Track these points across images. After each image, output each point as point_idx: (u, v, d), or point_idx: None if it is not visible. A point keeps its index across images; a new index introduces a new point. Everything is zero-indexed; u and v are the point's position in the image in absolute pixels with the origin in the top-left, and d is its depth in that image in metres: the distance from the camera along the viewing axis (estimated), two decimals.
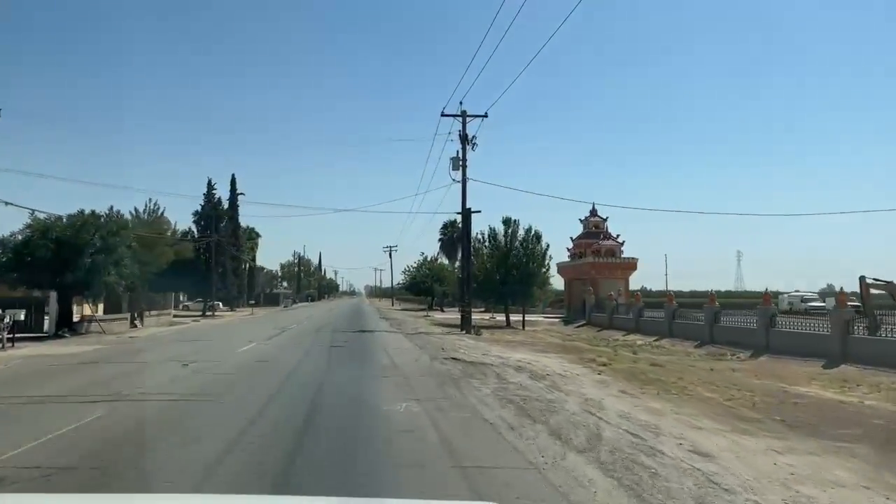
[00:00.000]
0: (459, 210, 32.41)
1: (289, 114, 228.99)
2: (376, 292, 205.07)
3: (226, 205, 75.35)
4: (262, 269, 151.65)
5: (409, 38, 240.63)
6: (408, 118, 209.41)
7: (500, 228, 43.38)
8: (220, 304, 74.59)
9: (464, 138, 32.20)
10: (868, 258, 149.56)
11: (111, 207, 29.24)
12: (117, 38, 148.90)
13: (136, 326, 35.27)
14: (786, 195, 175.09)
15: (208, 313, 62.55)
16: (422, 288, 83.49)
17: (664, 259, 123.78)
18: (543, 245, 43.42)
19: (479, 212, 32.50)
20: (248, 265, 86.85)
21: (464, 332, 31.53)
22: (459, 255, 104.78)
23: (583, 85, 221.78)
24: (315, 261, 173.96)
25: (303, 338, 24.20)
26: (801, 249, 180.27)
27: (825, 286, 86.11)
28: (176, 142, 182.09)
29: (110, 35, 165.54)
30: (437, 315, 55.91)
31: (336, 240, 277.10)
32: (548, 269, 45.02)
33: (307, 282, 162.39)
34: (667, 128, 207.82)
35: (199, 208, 63.23)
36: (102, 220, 28.50)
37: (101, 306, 42.36)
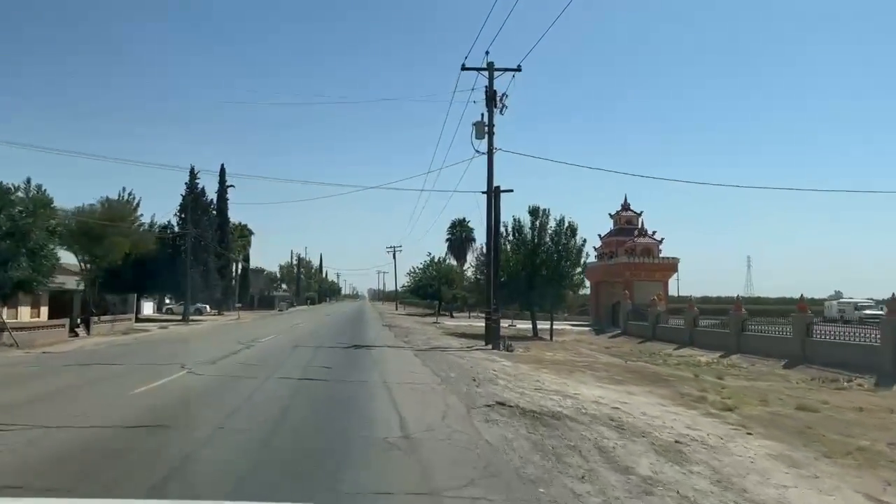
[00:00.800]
0: (484, 189, 25.14)
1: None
2: (380, 296, 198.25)
3: (213, 198, 68.65)
4: (263, 270, 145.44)
5: None
6: (419, 78, 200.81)
7: (527, 220, 36.28)
8: (208, 307, 67.73)
9: (490, 97, 25.02)
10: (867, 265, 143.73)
11: (28, 180, 21.85)
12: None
13: (76, 335, 28.15)
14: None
15: (191, 318, 55.63)
16: (428, 291, 76.26)
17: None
18: (579, 240, 36.21)
19: (511, 190, 25.23)
20: (239, 265, 79.76)
21: (490, 346, 24.30)
22: (469, 256, 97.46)
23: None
24: (316, 262, 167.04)
25: (267, 360, 16.57)
26: (808, 255, 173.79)
27: (833, 293, 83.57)
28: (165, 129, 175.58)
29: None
30: (448, 322, 48.74)
31: (338, 240, 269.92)
32: (583, 269, 37.78)
33: (307, 284, 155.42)
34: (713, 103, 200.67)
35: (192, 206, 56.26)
36: (13, 195, 21.27)
37: (44, 310, 35.34)
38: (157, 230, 53.99)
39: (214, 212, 68.61)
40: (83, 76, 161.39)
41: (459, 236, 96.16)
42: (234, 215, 78.03)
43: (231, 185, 70.37)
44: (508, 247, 36.01)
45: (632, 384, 16.07)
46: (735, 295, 48.70)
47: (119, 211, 29.97)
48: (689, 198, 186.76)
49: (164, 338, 27.59)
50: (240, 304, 63.67)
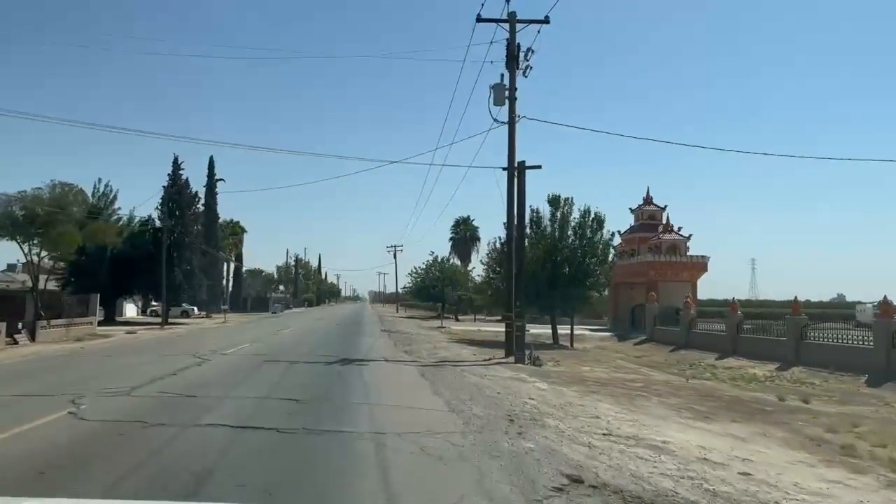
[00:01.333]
0: (504, 164, 20.50)
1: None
2: (380, 298, 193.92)
3: (201, 192, 64.18)
4: (262, 272, 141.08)
5: None
6: (428, 35, 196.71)
7: (546, 211, 31.70)
8: (196, 309, 63.24)
9: (511, 55, 20.41)
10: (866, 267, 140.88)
11: None
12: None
13: (14, 343, 23.55)
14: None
15: (174, 321, 51.09)
16: (431, 293, 71.75)
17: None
18: (605, 233, 31.63)
19: (539, 167, 20.43)
20: (231, 265, 75.27)
21: (512, 358, 19.69)
22: (473, 256, 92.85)
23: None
24: (315, 263, 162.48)
25: (212, 386, 11.50)
26: (809, 257, 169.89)
27: (836, 296, 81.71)
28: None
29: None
30: (454, 326, 44.09)
31: (339, 240, 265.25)
32: (611, 267, 33.21)
33: (305, 286, 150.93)
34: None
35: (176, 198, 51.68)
36: None
37: None
38: (136, 225, 49.58)
39: (203, 207, 64.21)
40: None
41: (464, 235, 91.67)
42: (227, 212, 73.56)
43: (220, 179, 66.10)
44: (525, 242, 31.49)
45: (725, 419, 11.47)
46: (739, 297, 44.14)
47: (66, 197, 25.25)
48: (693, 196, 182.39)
49: (113, 348, 22.89)
50: (226, 307, 59.06)
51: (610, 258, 32.22)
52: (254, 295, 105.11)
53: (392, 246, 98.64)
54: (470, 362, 19.01)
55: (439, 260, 77.95)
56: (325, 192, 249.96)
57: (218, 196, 65.08)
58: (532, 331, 40.67)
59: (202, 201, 63.53)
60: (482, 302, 44.38)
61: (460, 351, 23.26)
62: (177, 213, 49.20)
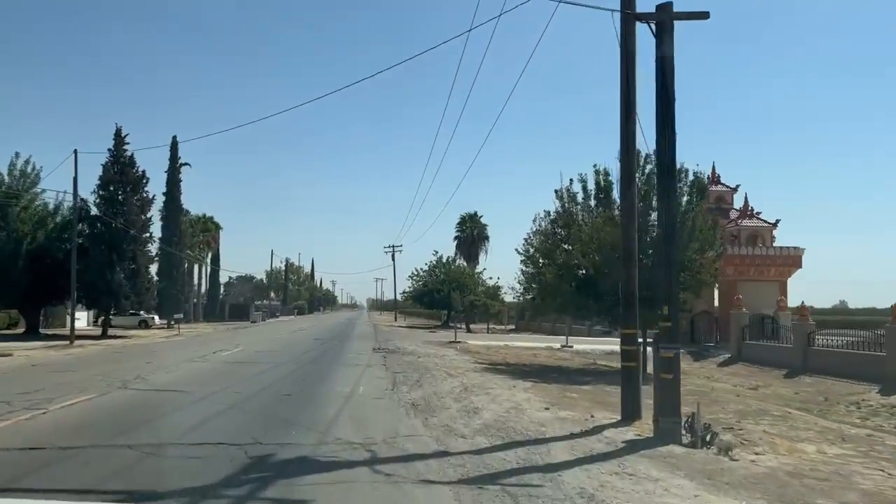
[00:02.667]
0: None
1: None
2: (378, 305, 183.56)
3: (160, 177, 53.86)
4: (253, 277, 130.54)
5: None
6: None
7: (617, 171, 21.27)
8: (157, 318, 52.87)
9: None
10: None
11: None
12: None
13: None
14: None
15: (121, 332, 40.76)
16: (436, 298, 61.26)
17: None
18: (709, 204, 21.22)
19: (707, 16, 9.81)
20: (202, 266, 64.78)
21: (642, 427, 9.10)
22: (482, 256, 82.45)
23: None
24: (308, 268, 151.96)
25: None
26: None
27: (839, 302, 77.57)
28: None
29: None
30: (471, 340, 33.46)
31: (335, 244, 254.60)
32: (720, 253, 22.79)
33: (297, 292, 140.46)
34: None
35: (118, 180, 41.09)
36: None
37: None
38: (64, 214, 39.26)
39: (164, 197, 53.83)
40: None
41: (470, 233, 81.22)
42: (200, 206, 62.77)
43: (185, 164, 55.57)
44: (581, 216, 21.13)
45: None
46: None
47: None
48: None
49: None
50: (180, 315, 48.27)
51: (718, 239, 21.76)
52: (240, 302, 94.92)
53: (390, 246, 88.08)
54: (560, 440, 8.56)
55: (444, 260, 67.55)
56: (320, 187, 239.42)
57: (181, 184, 54.38)
58: (580, 346, 30.32)
59: (145, 179, 53.25)
60: (542, 307, 33.07)
61: (516, 398, 12.72)
62: (119, 197, 38.78)
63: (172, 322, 49.69)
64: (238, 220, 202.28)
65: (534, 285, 22.35)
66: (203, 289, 71.23)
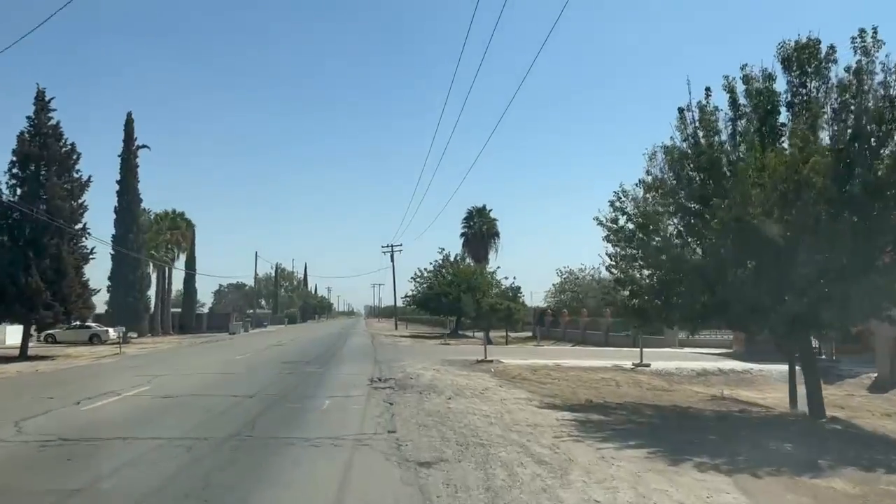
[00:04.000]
0: None
1: None
2: (376, 312, 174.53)
3: (114, 162, 45.07)
4: (244, 285, 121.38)
5: None
6: None
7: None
8: (110, 331, 43.98)
9: None
10: None
11: None
12: None
13: None
14: None
15: (59, 351, 31.94)
16: (443, 302, 52.33)
17: None
18: None
19: None
20: (168, 270, 55.68)
21: None
22: (491, 255, 73.27)
23: None
24: (300, 274, 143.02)
25: None
26: None
27: None
28: None
29: None
30: (504, 358, 24.14)
31: (330, 248, 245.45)
32: None
33: (289, 299, 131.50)
34: None
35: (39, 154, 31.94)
36: None
37: None
38: None
39: (118, 185, 44.87)
40: None
41: (479, 229, 72.30)
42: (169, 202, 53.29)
43: (143, 146, 46.59)
44: (725, 159, 12.26)
45: None
46: None
47: None
48: None
49: None
50: (121, 329, 38.86)
51: None
52: (222, 311, 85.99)
53: (388, 245, 78.98)
54: None
55: (452, 259, 58.63)
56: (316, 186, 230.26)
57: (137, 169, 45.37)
58: (656, 364, 21.69)
59: (117, 177, 44.20)
60: (668, 311, 22.66)
61: None
62: (41, 178, 29.99)
63: (122, 335, 40.69)
64: (228, 225, 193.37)
65: (643, 274, 13.36)
66: (167, 295, 62.13)
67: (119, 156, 44.96)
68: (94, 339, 41.75)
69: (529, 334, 55.47)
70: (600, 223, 14.30)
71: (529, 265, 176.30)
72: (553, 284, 62.58)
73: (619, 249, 14.46)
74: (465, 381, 16.47)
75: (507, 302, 41.83)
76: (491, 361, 22.44)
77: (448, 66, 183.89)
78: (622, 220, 14.24)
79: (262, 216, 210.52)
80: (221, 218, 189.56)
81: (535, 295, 57.54)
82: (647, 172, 13.25)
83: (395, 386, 14.77)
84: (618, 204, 14.38)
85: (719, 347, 33.21)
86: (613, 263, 14.48)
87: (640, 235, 13.52)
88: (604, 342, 44.46)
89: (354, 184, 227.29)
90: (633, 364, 22.23)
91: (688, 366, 22.41)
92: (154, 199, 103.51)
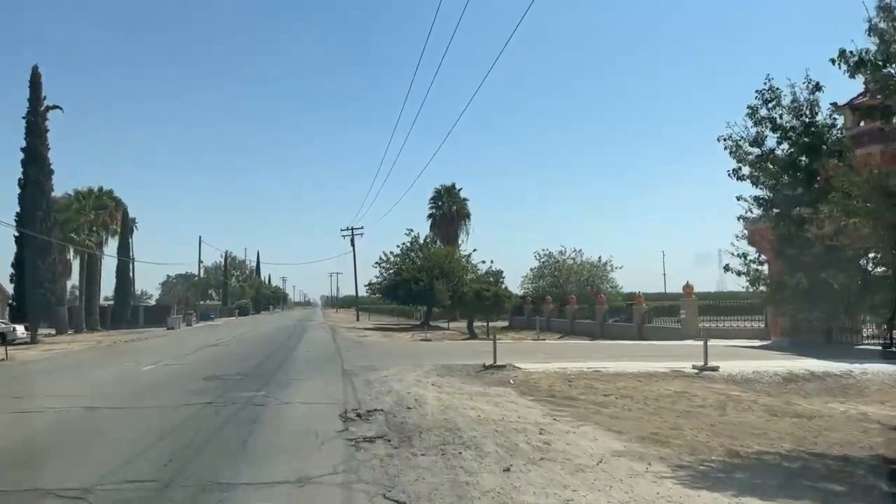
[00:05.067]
0: None
1: None
2: (334, 302, 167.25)
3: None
4: (194, 276, 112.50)
5: None
6: None
7: None
8: (17, 328, 36.77)
9: None
10: None
11: None
12: None
13: None
14: None
15: None
16: (413, 290, 46.06)
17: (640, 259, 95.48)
18: None
19: None
20: (90, 256, 47.92)
21: None
22: (462, 237, 66.65)
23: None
24: (253, 262, 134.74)
25: None
26: None
27: None
28: None
29: None
30: (518, 362, 17.74)
31: (285, 234, 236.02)
32: None
33: (240, 289, 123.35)
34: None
35: None
36: None
37: None
38: None
39: (24, 153, 37.14)
40: None
41: (447, 210, 66.30)
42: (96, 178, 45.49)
43: (55, 107, 38.81)
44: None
45: None
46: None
47: None
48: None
49: None
50: (20, 327, 31.74)
51: None
52: (176, 303, 78.16)
53: (348, 229, 72.11)
54: None
55: (421, 240, 52.32)
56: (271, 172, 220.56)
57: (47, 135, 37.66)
58: (727, 365, 15.87)
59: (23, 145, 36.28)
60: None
61: None
62: None
63: (25, 334, 33.45)
64: (175, 212, 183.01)
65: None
66: (90, 284, 54.49)
67: (24, 118, 37.17)
68: None
69: (506, 324, 49.78)
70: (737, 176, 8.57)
71: (503, 249, 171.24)
72: (530, 269, 56.88)
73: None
74: (493, 410, 10.31)
75: (493, 288, 35.74)
76: (503, 367, 16.30)
77: (416, 40, 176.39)
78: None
79: (212, 202, 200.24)
80: (169, 204, 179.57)
81: (511, 280, 51.88)
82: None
83: (388, 431, 8.33)
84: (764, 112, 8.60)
85: (745, 338, 27.95)
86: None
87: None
88: (599, 333, 38.91)
89: (311, 165, 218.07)
90: (695, 367, 16.39)
91: (763, 367, 16.67)
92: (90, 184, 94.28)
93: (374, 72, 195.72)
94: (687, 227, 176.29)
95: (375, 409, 9.88)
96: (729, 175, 8.98)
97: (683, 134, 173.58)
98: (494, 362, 16.51)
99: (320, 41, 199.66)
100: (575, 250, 54.68)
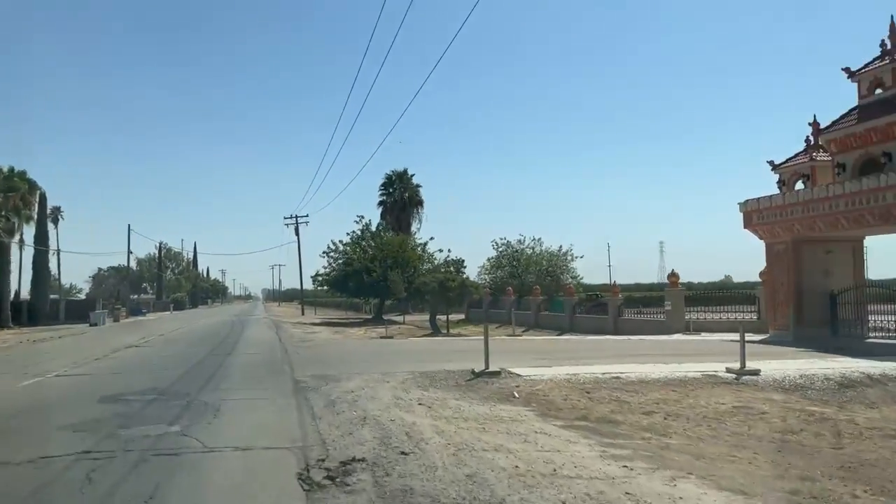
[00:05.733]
0: None
1: None
2: (277, 295, 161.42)
3: None
4: (129, 269, 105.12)
5: None
6: None
7: None
8: None
9: None
10: None
11: None
12: None
13: None
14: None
15: None
16: (366, 281, 42.36)
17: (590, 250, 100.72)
18: None
19: None
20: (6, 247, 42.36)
21: None
22: (414, 226, 62.50)
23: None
24: (190, 254, 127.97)
25: None
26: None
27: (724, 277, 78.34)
28: None
29: None
30: (512, 367, 14.39)
31: (225, 222, 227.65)
32: None
33: (176, 282, 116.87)
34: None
35: None
36: None
37: None
38: None
39: None
40: None
41: (399, 197, 62.63)
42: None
43: None
44: None
45: None
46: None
47: None
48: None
49: None
50: None
51: None
52: (106, 297, 72.13)
53: (291, 217, 67.54)
54: None
55: (374, 228, 48.60)
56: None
57: None
58: (768, 367, 12.80)
59: None
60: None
61: None
62: None
63: None
64: (106, 202, 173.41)
65: None
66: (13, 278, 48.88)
67: None
68: None
69: (462, 317, 46.62)
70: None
71: (460, 238, 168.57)
72: (488, 259, 53.82)
73: None
74: (526, 450, 6.97)
75: (459, 278, 32.35)
76: (497, 374, 12.96)
77: (367, 21, 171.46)
78: None
79: (145, 191, 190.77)
80: (99, 194, 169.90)
81: (468, 271, 48.58)
82: None
83: None
84: None
85: (737, 331, 25.40)
86: None
87: None
88: (568, 327, 36.05)
89: (252, 150, 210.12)
90: (729, 370, 13.41)
91: (804, 369, 13.86)
92: None
93: (320, 56, 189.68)
94: (632, 217, 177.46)
95: (353, 459, 6.34)
96: None
97: (636, 123, 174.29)
98: (486, 368, 13.12)
99: (263, 26, 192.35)
100: (534, 239, 51.90)
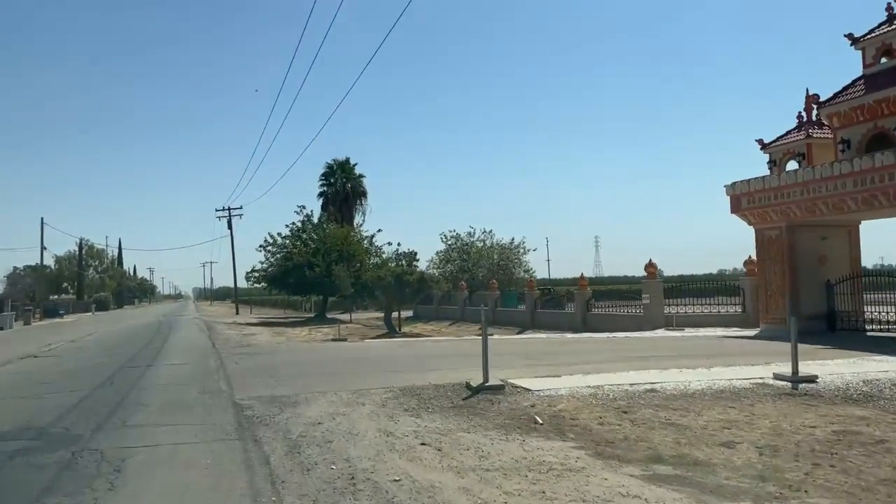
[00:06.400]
0: None
1: None
2: (208, 294, 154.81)
3: None
4: (48, 267, 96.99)
5: None
6: None
7: None
8: None
9: None
10: None
11: None
12: None
13: None
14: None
15: None
16: (308, 277, 38.96)
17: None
18: None
19: None
20: None
21: None
22: (357, 218, 58.69)
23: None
24: (114, 251, 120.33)
25: None
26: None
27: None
28: None
29: None
30: (514, 378, 11.65)
31: (152, 217, 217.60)
32: None
33: (99, 281, 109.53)
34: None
35: None
36: None
37: None
38: None
39: None
40: None
41: (341, 187, 59.15)
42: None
43: None
44: None
45: None
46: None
47: None
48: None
49: None
50: None
51: None
52: (20, 298, 65.50)
53: (224, 209, 62.99)
54: None
55: (317, 220, 45.14)
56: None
57: None
58: (830, 370, 10.37)
59: None
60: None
61: None
62: None
63: None
64: (16, 193, 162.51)
65: None
66: None
67: None
68: None
69: (411, 313, 43.83)
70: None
71: (404, 231, 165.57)
72: (436, 252, 51.19)
73: None
74: None
75: (418, 272, 29.37)
76: (501, 388, 10.14)
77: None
78: None
79: (64, 184, 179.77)
80: (11, 184, 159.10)
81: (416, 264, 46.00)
82: None
83: None
84: None
85: (722, 325, 23.61)
86: None
87: None
88: (530, 323, 33.71)
89: (181, 140, 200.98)
90: (778, 376, 11.01)
91: (862, 372, 11.64)
92: None
93: (254, 36, 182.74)
94: (569, 212, 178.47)
95: None
96: None
97: (580, 115, 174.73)
98: (486, 381, 10.26)
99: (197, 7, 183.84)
100: (484, 231, 49.68)
